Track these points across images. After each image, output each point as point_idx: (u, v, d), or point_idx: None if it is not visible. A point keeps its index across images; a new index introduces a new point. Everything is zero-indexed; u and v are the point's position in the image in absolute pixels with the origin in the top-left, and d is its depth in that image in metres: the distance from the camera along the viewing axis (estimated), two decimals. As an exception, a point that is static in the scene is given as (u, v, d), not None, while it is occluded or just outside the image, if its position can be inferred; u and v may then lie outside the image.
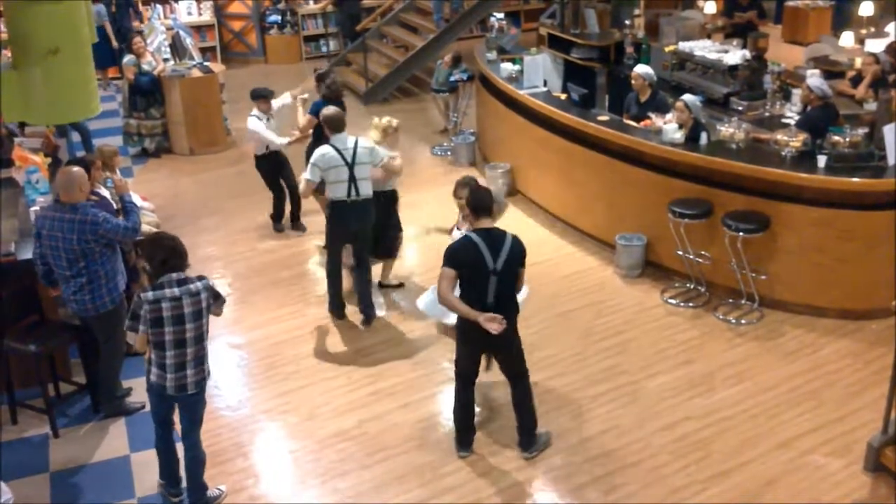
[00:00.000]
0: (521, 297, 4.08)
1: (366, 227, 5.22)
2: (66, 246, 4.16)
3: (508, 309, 3.84)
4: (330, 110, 5.20)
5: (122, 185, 4.57)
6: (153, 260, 3.58)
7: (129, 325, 3.61)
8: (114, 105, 9.65)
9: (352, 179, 5.01)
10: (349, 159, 5.00)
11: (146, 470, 4.14)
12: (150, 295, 3.53)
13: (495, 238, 3.81)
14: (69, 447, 4.32)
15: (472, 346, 4.00)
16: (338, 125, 5.08)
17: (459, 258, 3.79)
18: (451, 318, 4.21)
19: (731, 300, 5.38)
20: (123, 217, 4.40)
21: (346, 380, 4.81)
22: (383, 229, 5.47)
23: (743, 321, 5.22)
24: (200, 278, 3.68)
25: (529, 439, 4.15)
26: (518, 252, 3.85)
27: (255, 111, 6.38)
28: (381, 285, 5.75)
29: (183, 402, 3.73)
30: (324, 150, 5.06)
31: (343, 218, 5.12)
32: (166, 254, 3.57)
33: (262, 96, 6.40)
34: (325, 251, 6.19)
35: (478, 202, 3.87)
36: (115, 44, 9.93)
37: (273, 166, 6.51)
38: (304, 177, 5.18)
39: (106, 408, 4.56)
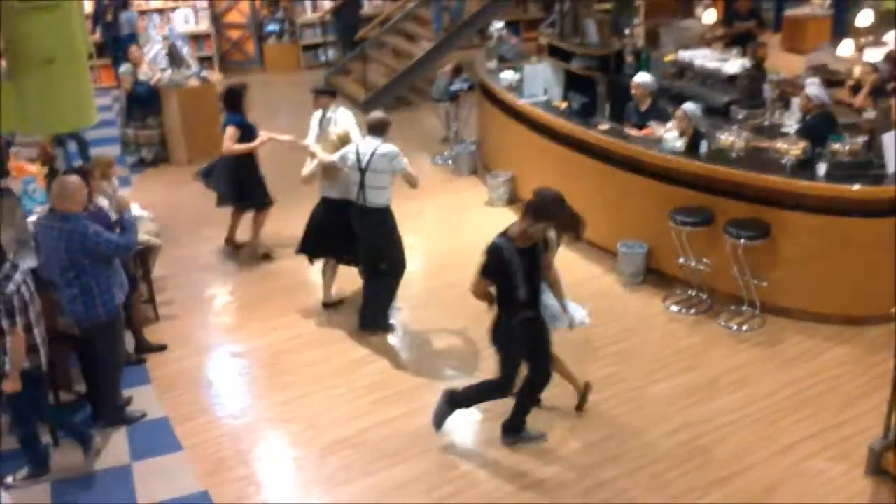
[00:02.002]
0: None
1: (360, 236, 5.19)
2: (57, 255, 4.15)
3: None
4: (375, 115, 5.16)
5: (122, 202, 4.53)
6: None
7: (8, 326, 3.72)
8: (111, 114, 9.67)
9: (361, 185, 5.01)
10: (363, 164, 4.99)
11: (147, 479, 4.12)
12: (12, 286, 3.74)
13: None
14: (70, 456, 4.29)
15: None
16: (373, 130, 5.05)
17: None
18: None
19: (732, 307, 5.39)
20: (121, 232, 4.34)
21: (348, 388, 4.80)
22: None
23: (744, 328, 5.23)
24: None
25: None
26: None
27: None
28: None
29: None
30: (350, 147, 5.12)
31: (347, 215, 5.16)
32: None
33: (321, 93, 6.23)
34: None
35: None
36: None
37: None
38: (333, 158, 5.18)
39: (106, 417, 4.54)
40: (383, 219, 5.16)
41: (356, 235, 5.24)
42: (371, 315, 5.32)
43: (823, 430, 4.29)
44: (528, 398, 4.28)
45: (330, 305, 5.65)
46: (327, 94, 6.18)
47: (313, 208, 5.57)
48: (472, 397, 4.29)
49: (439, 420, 4.28)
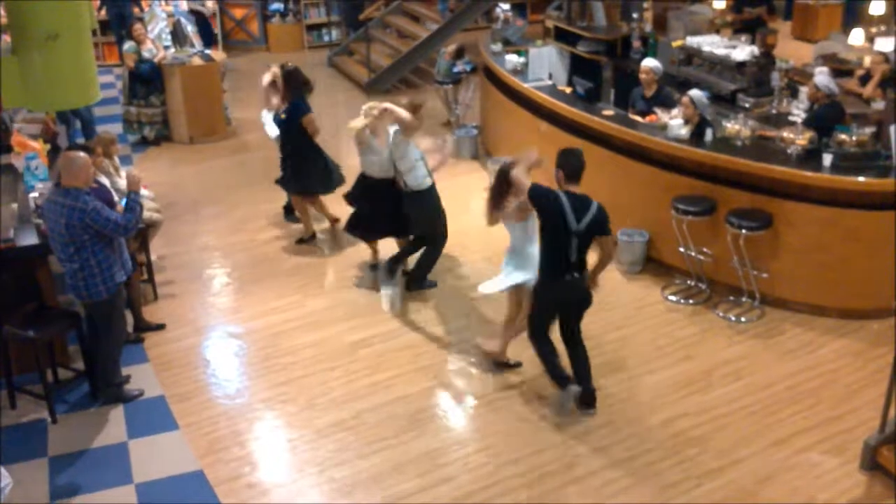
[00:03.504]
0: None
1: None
2: (57, 229, 4.15)
3: (584, 269, 4.20)
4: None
5: (133, 181, 4.42)
6: None
7: None
8: (114, 92, 9.62)
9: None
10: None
11: (144, 456, 4.16)
12: None
13: (581, 202, 4.12)
14: (67, 433, 4.33)
15: (549, 306, 4.29)
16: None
17: (541, 200, 4.11)
18: (522, 277, 4.45)
19: (731, 298, 5.37)
20: (124, 211, 4.31)
21: (345, 370, 4.81)
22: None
23: (743, 319, 5.21)
24: None
25: (591, 397, 4.38)
26: (601, 218, 4.12)
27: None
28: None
29: None
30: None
31: (436, 199, 5.41)
32: None
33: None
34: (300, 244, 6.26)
35: (572, 167, 4.18)
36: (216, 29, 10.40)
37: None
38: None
39: (104, 394, 4.56)
40: None
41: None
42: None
43: (820, 423, 4.28)
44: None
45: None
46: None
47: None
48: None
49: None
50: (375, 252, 5.91)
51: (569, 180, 4.15)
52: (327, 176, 6.12)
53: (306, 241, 6.33)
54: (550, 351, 4.37)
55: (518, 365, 4.74)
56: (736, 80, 6.64)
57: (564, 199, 4.08)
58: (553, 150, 6.52)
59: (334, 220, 6.40)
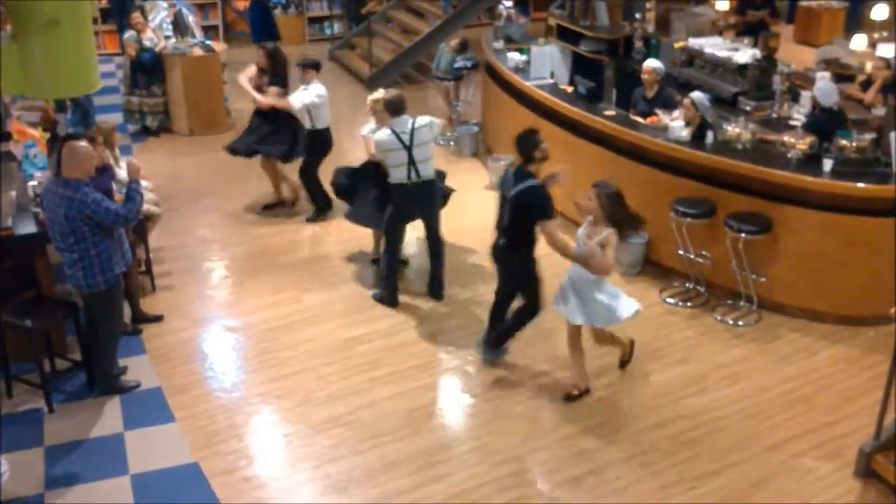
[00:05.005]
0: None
1: (431, 210, 5.33)
2: (57, 220, 4.12)
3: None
4: (391, 93, 5.23)
5: (134, 169, 4.38)
6: None
7: None
8: (114, 82, 9.58)
9: (411, 162, 5.06)
10: (407, 142, 5.04)
11: (140, 447, 4.16)
12: None
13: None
14: (64, 423, 4.32)
15: None
16: (398, 108, 5.10)
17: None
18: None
19: (729, 301, 5.38)
20: (125, 201, 4.29)
21: (342, 366, 4.81)
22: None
23: (740, 323, 5.22)
24: None
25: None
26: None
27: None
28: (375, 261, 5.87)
29: None
30: (382, 134, 5.09)
31: (405, 200, 5.20)
32: None
33: (307, 65, 6.28)
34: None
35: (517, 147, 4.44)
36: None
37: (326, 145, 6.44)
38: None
39: (101, 385, 4.56)
40: (438, 187, 5.42)
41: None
42: (440, 284, 5.55)
43: (815, 428, 4.30)
44: (522, 323, 4.74)
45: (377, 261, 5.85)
46: (312, 67, 6.25)
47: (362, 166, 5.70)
48: (510, 330, 4.72)
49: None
50: (378, 246, 5.91)
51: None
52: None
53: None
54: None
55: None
56: (737, 82, 6.64)
57: None
58: (553, 149, 6.54)
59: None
